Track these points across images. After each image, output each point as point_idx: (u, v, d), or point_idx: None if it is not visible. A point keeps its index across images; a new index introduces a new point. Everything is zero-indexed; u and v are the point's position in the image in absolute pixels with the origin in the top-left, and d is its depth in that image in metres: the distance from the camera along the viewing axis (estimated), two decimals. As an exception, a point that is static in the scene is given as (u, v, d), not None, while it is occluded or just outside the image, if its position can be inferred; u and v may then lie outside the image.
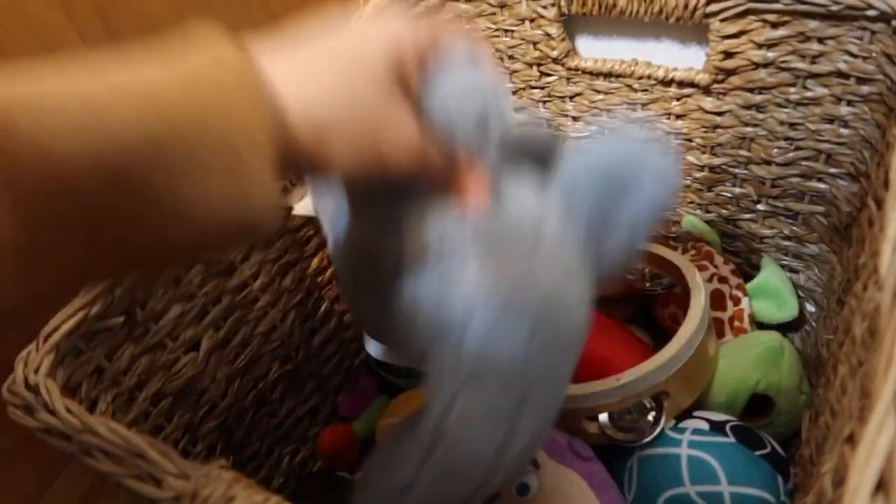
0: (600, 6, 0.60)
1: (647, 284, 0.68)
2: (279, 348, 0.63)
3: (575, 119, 0.71)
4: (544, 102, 0.72)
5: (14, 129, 0.22)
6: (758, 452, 0.52)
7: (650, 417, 0.54)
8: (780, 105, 0.59)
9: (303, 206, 0.63)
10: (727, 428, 0.53)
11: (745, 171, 0.65)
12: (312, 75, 0.28)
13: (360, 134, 0.29)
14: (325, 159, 0.28)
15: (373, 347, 0.66)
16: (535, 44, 0.67)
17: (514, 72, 0.71)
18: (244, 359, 0.59)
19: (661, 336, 0.70)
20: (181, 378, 0.52)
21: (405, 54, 0.30)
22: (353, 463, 0.68)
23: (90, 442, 0.35)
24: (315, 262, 0.65)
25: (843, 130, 0.57)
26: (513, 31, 0.68)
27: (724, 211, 0.70)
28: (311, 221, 0.66)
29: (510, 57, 0.70)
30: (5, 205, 0.21)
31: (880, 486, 0.25)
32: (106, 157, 0.23)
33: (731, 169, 0.66)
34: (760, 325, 0.66)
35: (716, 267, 0.66)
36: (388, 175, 0.30)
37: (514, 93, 0.73)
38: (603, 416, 0.54)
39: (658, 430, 0.53)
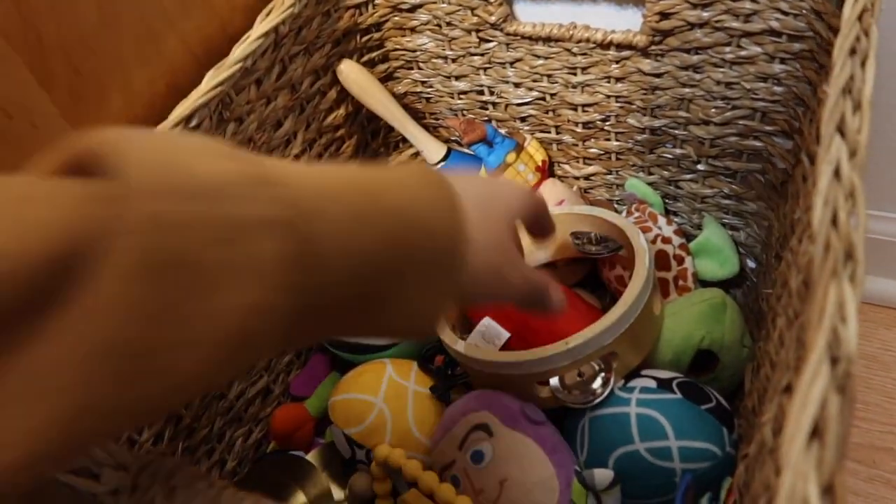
0: (536, -32, 0.59)
1: (594, 248, 0.68)
2: (225, 331, 0.61)
3: (516, 85, 0.71)
4: (485, 69, 0.71)
5: (312, 232, 0.26)
6: (703, 406, 0.53)
7: (600, 379, 0.55)
8: (716, 65, 0.60)
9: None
10: (674, 385, 0.54)
11: (685, 133, 0.66)
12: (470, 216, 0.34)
13: (494, 264, 0.37)
14: (470, 281, 0.35)
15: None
16: (472, 9, 0.66)
17: (453, 39, 0.70)
18: (188, 343, 0.57)
19: (609, 298, 0.72)
20: (121, 366, 0.51)
21: (525, 212, 0.41)
22: (307, 442, 0.68)
23: (21, 438, 0.33)
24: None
25: (776, 88, 0.58)
26: (450, -4, 0.66)
27: (665, 172, 0.71)
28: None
29: (448, 24, 0.69)
30: (297, 287, 0.25)
31: (815, 432, 0.26)
32: (366, 259, 0.28)
33: (671, 130, 0.66)
34: (704, 283, 0.67)
35: (659, 228, 0.67)
36: (504, 297, 0.39)
37: (454, 61, 0.72)
38: (554, 380, 0.54)
39: (607, 390, 0.54)
